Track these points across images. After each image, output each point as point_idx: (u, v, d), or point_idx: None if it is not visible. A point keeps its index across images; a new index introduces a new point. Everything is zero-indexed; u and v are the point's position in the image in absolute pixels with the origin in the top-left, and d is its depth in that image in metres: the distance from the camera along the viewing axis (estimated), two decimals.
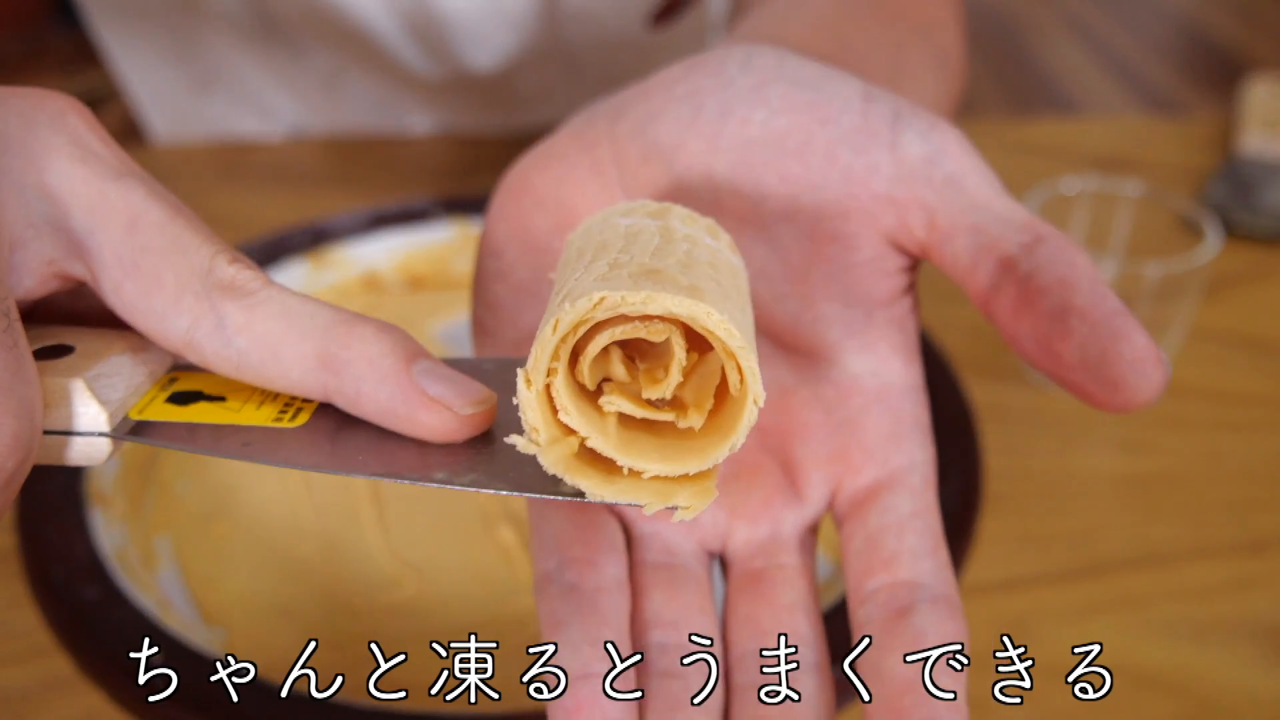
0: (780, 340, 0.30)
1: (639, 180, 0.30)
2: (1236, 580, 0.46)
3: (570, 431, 0.23)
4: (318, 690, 0.36)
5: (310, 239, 0.57)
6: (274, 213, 0.66)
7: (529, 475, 0.24)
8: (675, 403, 0.24)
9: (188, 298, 0.25)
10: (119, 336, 0.27)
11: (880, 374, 0.29)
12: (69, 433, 0.25)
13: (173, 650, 0.36)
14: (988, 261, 0.27)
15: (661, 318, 0.22)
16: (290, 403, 0.26)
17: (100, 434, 0.25)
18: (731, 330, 0.22)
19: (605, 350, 0.23)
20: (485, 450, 0.25)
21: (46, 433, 0.25)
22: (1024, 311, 0.26)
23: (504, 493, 0.24)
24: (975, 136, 0.31)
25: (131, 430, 0.26)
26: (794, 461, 0.30)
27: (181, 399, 0.26)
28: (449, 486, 0.24)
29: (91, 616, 0.37)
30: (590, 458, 0.23)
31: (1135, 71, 2.41)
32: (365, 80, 0.76)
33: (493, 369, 0.27)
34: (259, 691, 0.35)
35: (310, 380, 0.25)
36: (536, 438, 0.23)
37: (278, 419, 0.26)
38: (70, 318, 0.28)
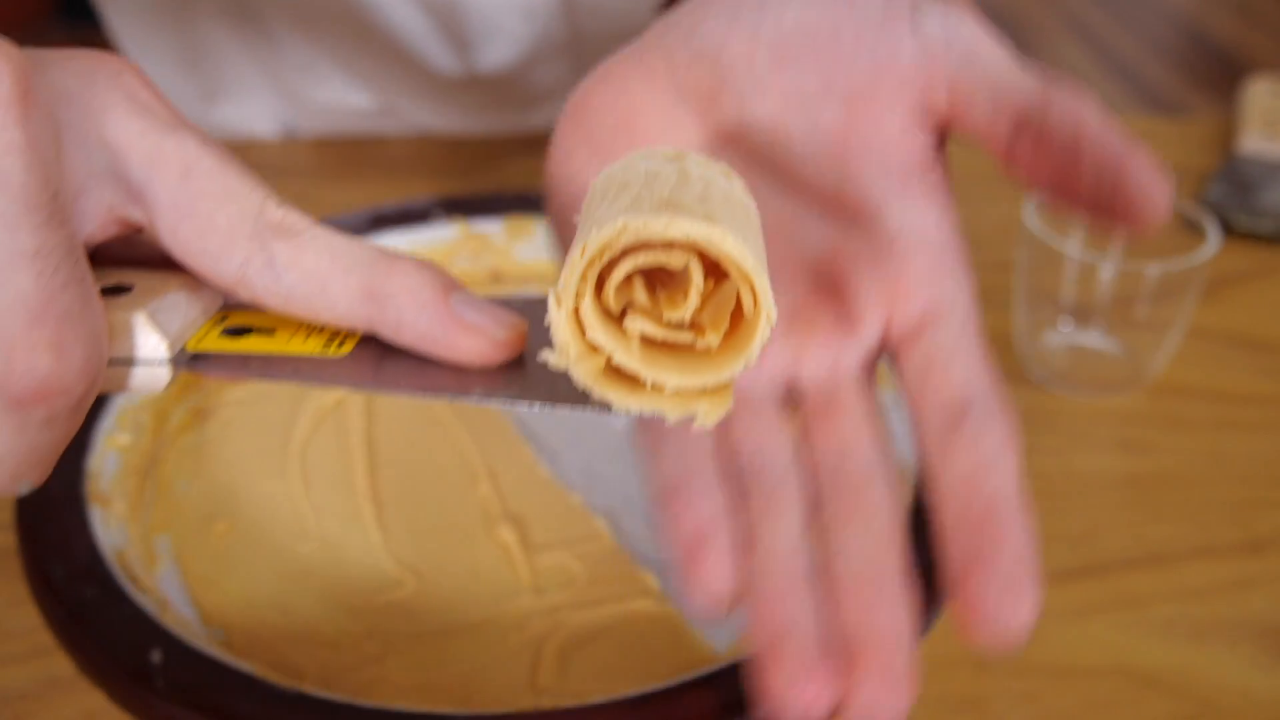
0: (826, 206, 0.33)
1: (688, 79, 0.33)
2: (1236, 580, 0.46)
3: (597, 350, 0.25)
4: (318, 690, 0.36)
5: None
6: None
7: (561, 391, 0.27)
8: (693, 326, 0.25)
9: (240, 238, 0.27)
10: (174, 276, 0.29)
11: (920, 224, 0.32)
12: (132, 362, 0.27)
13: (173, 650, 0.36)
14: (1005, 116, 0.30)
15: (680, 245, 0.24)
16: (336, 335, 0.28)
17: (161, 362, 0.27)
18: (745, 253, 0.24)
19: (628, 279, 0.25)
20: (518, 374, 0.27)
21: (111, 363, 0.27)
22: (1041, 154, 0.30)
23: (538, 406, 0.26)
24: None
25: (189, 361, 0.28)
26: (849, 303, 0.32)
27: (234, 333, 0.29)
28: (487, 402, 0.27)
29: (91, 616, 0.37)
30: (616, 374, 0.25)
31: (1135, 71, 2.41)
32: (375, 80, 0.75)
33: (520, 306, 0.29)
34: (259, 691, 0.35)
35: (355, 312, 0.27)
36: (568, 354, 0.25)
37: (324, 349, 0.28)
38: (126, 263, 0.29)
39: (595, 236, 0.24)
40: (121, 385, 0.28)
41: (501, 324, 0.27)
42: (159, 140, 0.27)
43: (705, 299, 0.25)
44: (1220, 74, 2.36)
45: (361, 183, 0.70)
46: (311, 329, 0.28)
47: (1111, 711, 0.41)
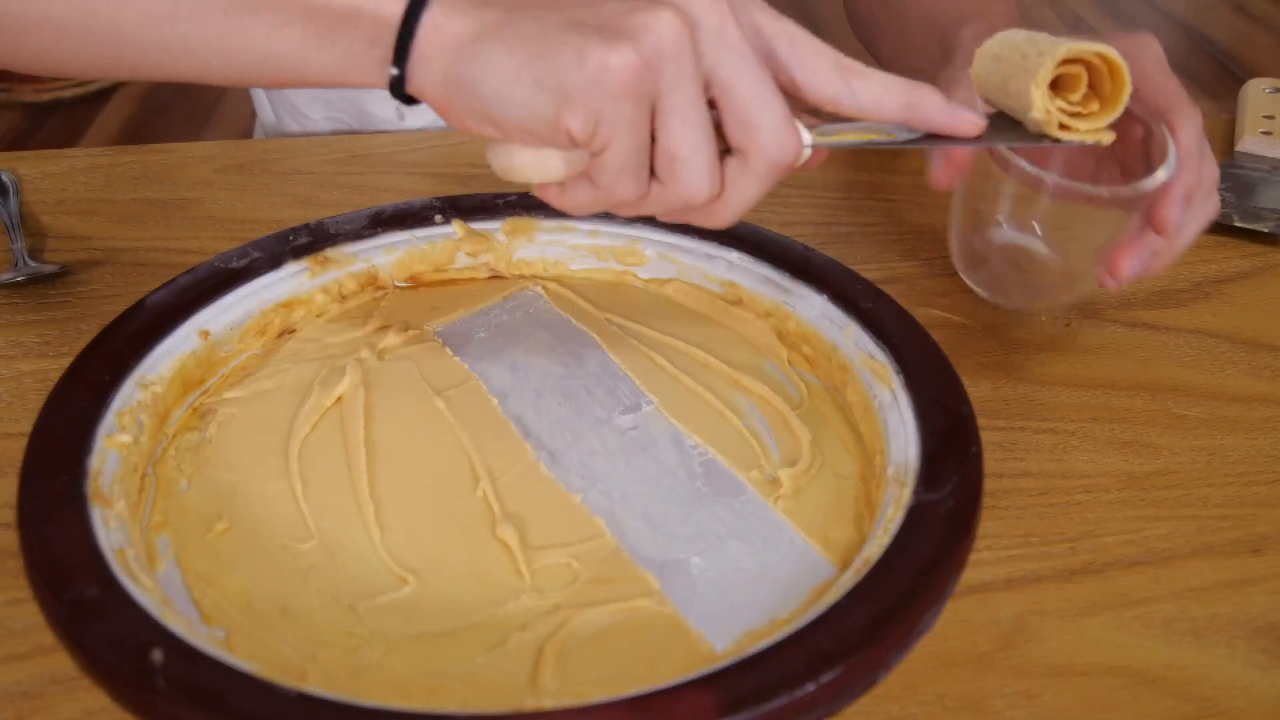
0: None
1: None
2: (1236, 580, 0.46)
3: (1049, 114, 0.45)
4: (318, 690, 0.36)
5: (310, 239, 0.57)
6: (274, 213, 0.66)
7: (1016, 139, 0.47)
8: (1085, 101, 0.46)
9: (831, 77, 0.43)
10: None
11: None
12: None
13: (173, 650, 0.36)
14: None
15: (1079, 59, 0.45)
16: (886, 128, 0.45)
17: (808, 147, 0.43)
18: (1117, 55, 0.45)
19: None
20: (986, 135, 0.45)
21: None
22: None
23: (1013, 145, 0.48)
24: None
25: (813, 146, 0.44)
26: None
27: (826, 131, 0.45)
28: (982, 145, 0.47)
29: (92, 616, 0.37)
30: (1057, 127, 0.46)
31: None
32: None
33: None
34: (259, 691, 0.35)
35: (901, 115, 0.44)
36: (1040, 114, 0.45)
37: (881, 137, 0.45)
38: None
39: (1057, 53, 0.44)
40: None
41: (978, 112, 0.45)
42: (776, 24, 0.43)
43: (1090, 84, 0.46)
44: (1220, 74, 2.36)
45: (362, 182, 0.70)
46: (872, 126, 0.45)
47: (1111, 711, 0.41)
